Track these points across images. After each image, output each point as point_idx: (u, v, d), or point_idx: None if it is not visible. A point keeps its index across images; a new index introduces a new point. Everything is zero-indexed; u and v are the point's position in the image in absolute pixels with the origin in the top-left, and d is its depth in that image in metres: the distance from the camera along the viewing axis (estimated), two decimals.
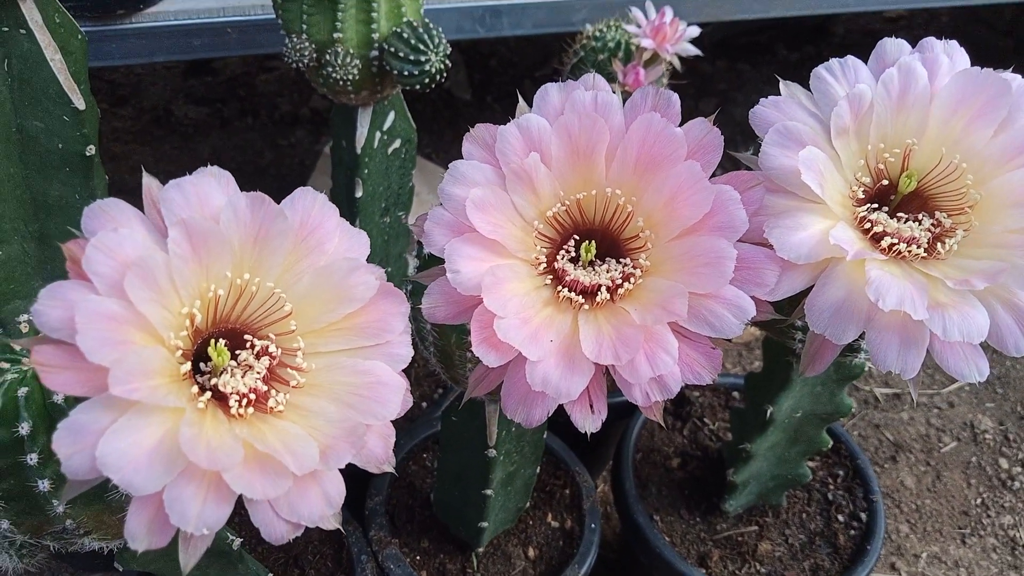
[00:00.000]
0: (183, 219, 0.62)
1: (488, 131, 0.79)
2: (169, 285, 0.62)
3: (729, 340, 0.77)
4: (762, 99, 0.81)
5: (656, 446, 1.80)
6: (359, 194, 1.52)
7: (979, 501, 2.27)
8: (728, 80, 3.34)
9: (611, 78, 1.44)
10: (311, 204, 0.70)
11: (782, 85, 0.83)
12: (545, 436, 1.45)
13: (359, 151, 1.47)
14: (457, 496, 1.45)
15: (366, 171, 1.51)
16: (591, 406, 0.76)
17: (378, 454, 0.68)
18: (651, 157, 0.77)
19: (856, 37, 3.54)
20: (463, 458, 1.36)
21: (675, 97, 0.78)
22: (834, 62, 0.80)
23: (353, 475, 1.56)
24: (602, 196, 0.81)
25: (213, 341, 0.66)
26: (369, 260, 1.72)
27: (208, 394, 0.64)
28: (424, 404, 1.83)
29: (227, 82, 3.12)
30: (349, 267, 0.69)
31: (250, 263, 0.67)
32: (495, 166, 0.79)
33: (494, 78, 3.25)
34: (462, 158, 0.79)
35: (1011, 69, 0.81)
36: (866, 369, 1.34)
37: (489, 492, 1.37)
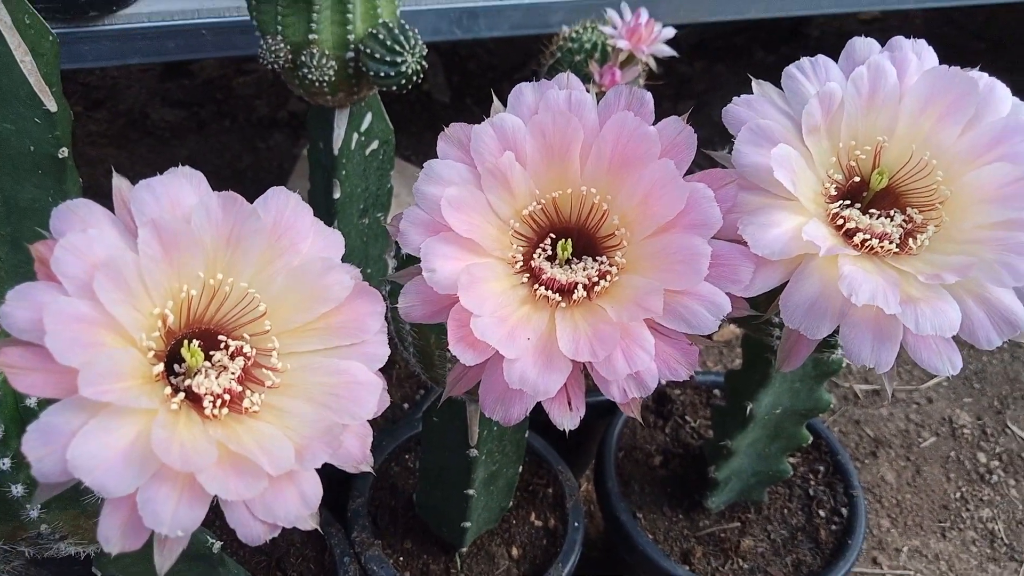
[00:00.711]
0: (153, 219, 0.61)
1: (463, 130, 0.79)
2: (140, 286, 0.61)
3: (708, 337, 0.78)
4: (735, 97, 0.82)
5: (638, 444, 1.81)
6: (337, 195, 1.52)
7: (958, 495, 2.30)
8: (706, 81, 3.37)
9: (587, 79, 1.44)
10: (284, 204, 0.69)
11: (755, 84, 0.84)
12: (527, 435, 1.45)
13: (336, 152, 1.47)
14: (439, 496, 1.44)
15: (343, 172, 1.51)
16: (569, 403, 0.76)
17: (355, 454, 0.68)
18: (625, 156, 0.77)
19: (831, 39, 3.57)
20: (444, 458, 1.36)
21: (648, 96, 0.78)
22: (805, 61, 0.81)
23: (334, 477, 1.56)
24: (577, 195, 0.81)
25: (187, 342, 0.66)
26: (348, 262, 1.72)
27: (181, 395, 0.63)
28: (406, 405, 1.82)
29: (204, 85, 3.10)
30: (324, 267, 0.68)
31: (223, 263, 0.67)
32: (470, 165, 0.79)
33: (473, 80, 3.25)
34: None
35: (979, 68, 0.82)
36: (844, 365, 1.35)
37: (471, 492, 1.37)
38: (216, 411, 0.64)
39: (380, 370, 0.71)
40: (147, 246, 0.61)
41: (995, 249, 0.72)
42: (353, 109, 1.48)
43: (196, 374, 0.67)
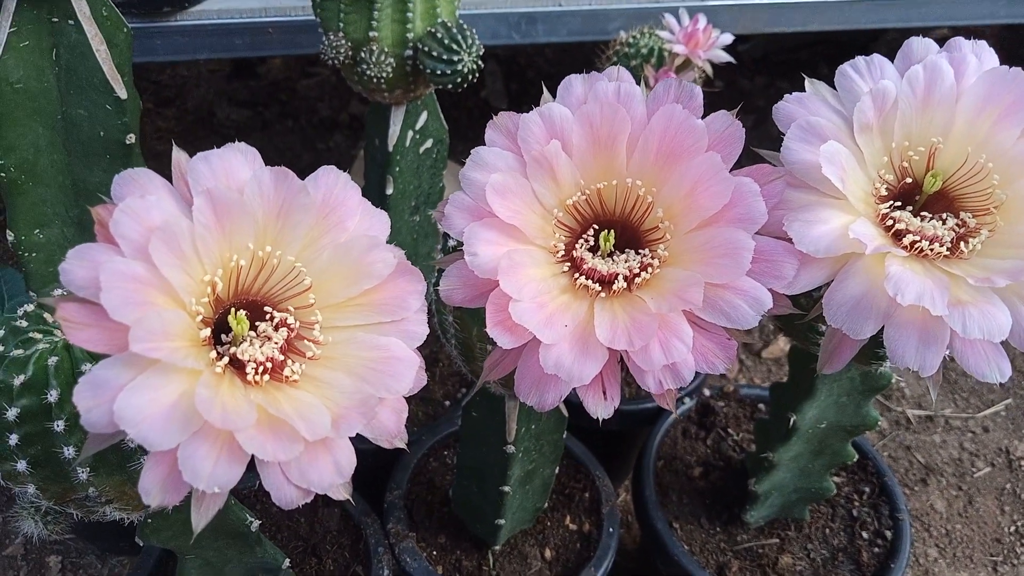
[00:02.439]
0: (208, 189, 0.64)
1: (511, 119, 0.80)
2: (192, 252, 0.63)
3: (747, 333, 0.77)
4: (786, 95, 0.81)
5: (678, 455, 1.79)
6: (389, 191, 1.55)
7: (1012, 528, 2.21)
8: (767, 97, 3.33)
9: (643, 84, 1.45)
10: (334, 182, 0.71)
11: (807, 82, 0.83)
12: (565, 438, 1.45)
13: (391, 149, 1.49)
14: (475, 492, 1.45)
15: (397, 169, 1.53)
16: (604, 392, 0.76)
17: (390, 427, 0.69)
18: (672, 148, 0.77)
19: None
20: (482, 454, 1.37)
21: (698, 90, 0.79)
22: (860, 59, 0.80)
23: (373, 468, 1.57)
24: (622, 186, 0.81)
25: (233, 311, 0.68)
26: None
27: (226, 360, 0.65)
28: (447, 403, 1.84)
29: (269, 86, 3.18)
30: (369, 244, 0.70)
31: (272, 236, 0.69)
32: (517, 153, 0.80)
33: (531, 88, 3.27)
34: None
35: None
36: (894, 382, 1.32)
37: (507, 489, 1.37)
38: (258, 377, 0.66)
39: (423, 367, 0.73)
40: (201, 214, 0.63)
41: None
42: (409, 107, 1.51)
43: (241, 342, 0.69)
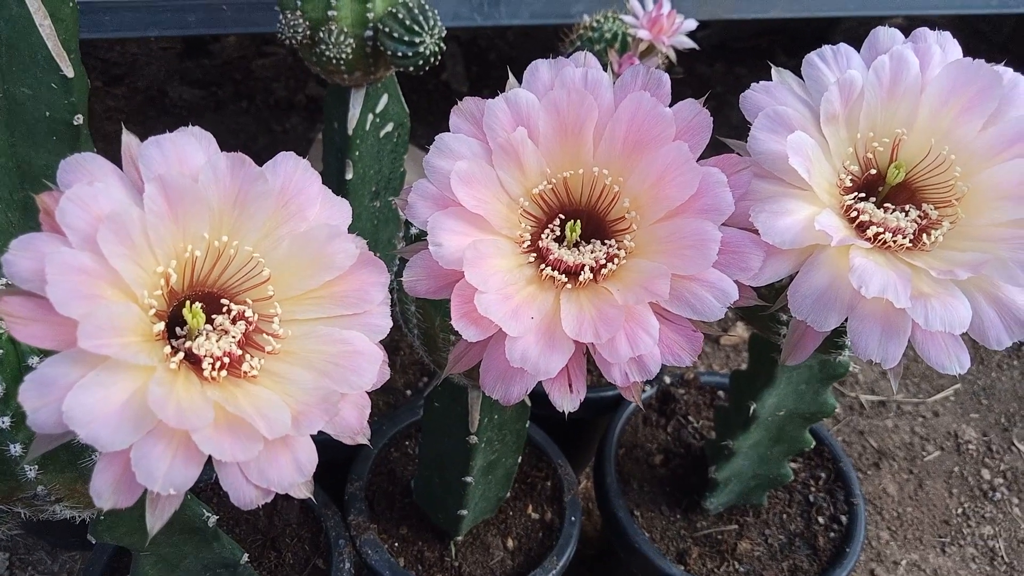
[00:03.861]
0: (160, 175, 0.61)
1: (476, 105, 0.78)
2: (144, 242, 0.61)
3: (718, 333, 0.77)
4: (753, 84, 0.80)
5: (639, 442, 1.80)
6: (349, 176, 1.51)
7: (960, 511, 2.28)
8: (725, 83, 3.35)
9: (607, 69, 1.43)
10: (294, 168, 0.69)
11: (774, 71, 0.83)
12: (528, 427, 1.44)
13: (350, 132, 1.46)
14: (437, 483, 1.44)
15: (357, 153, 1.50)
16: (570, 385, 0.75)
17: (352, 423, 0.67)
18: (639, 136, 0.76)
19: (856, 46, 3.55)
20: (444, 444, 1.35)
21: (666, 77, 0.78)
22: (826, 49, 0.80)
23: (333, 461, 1.54)
24: (589, 175, 0.80)
25: (188, 303, 0.66)
26: None
27: (180, 355, 0.63)
28: (408, 392, 1.82)
29: (223, 65, 3.10)
30: (329, 234, 0.68)
31: (229, 225, 0.66)
32: (482, 140, 0.78)
33: (492, 71, 3.24)
34: None
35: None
36: (850, 369, 1.34)
37: (469, 479, 1.36)
38: (215, 373, 0.64)
39: (387, 360, 0.71)
40: (152, 202, 0.60)
41: (1010, 247, 0.71)
42: (369, 90, 1.47)
43: (197, 336, 0.66)
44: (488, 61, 3.28)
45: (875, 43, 0.80)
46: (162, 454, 0.57)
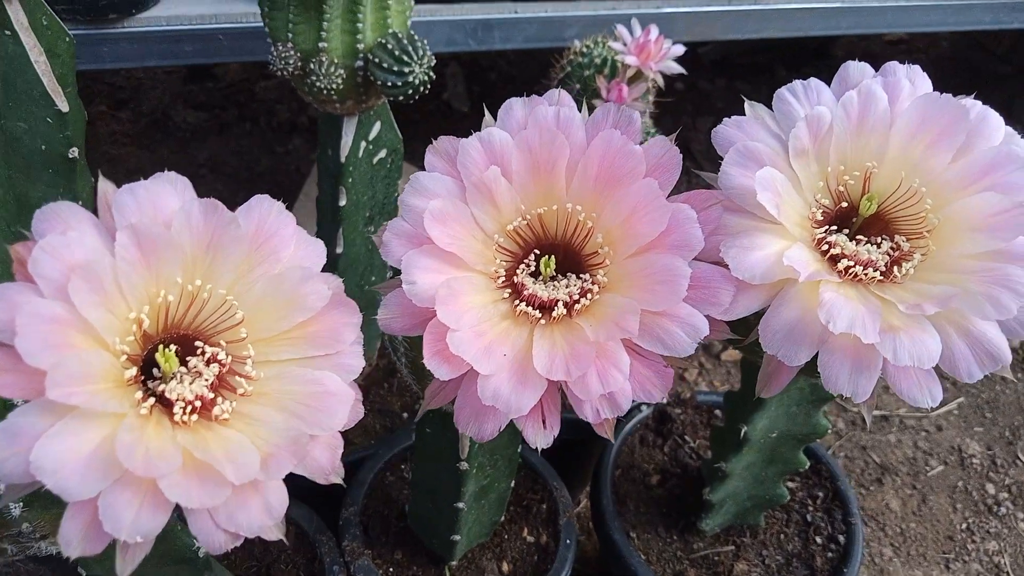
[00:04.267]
0: (132, 224, 0.62)
1: (451, 143, 0.80)
2: (116, 289, 0.62)
3: (684, 359, 0.77)
4: (725, 118, 0.81)
5: (636, 463, 1.80)
6: (343, 203, 1.53)
7: (964, 526, 2.26)
8: (726, 99, 3.35)
9: (596, 94, 1.44)
10: (267, 212, 0.70)
11: (747, 105, 0.83)
12: (521, 450, 1.45)
13: (343, 160, 1.48)
14: (430, 508, 1.44)
15: (350, 180, 1.52)
16: (543, 421, 0.76)
17: (324, 464, 0.68)
18: (610, 174, 0.77)
19: (856, 59, 3.55)
20: (436, 470, 1.36)
21: (636, 115, 0.78)
22: (797, 83, 0.80)
23: (325, 486, 1.56)
24: (563, 211, 0.81)
25: (162, 347, 0.67)
26: (352, 270, 1.72)
27: (152, 400, 0.64)
28: (405, 414, 1.82)
29: (227, 88, 3.14)
30: (302, 276, 0.69)
31: (203, 269, 0.68)
32: (457, 178, 0.79)
33: (493, 91, 3.26)
34: None
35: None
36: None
37: (461, 506, 1.36)
38: (186, 417, 0.65)
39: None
40: (125, 250, 0.62)
41: (980, 280, 0.71)
42: (362, 117, 1.49)
43: (171, 379, 0.67)
44: (489, 81, 3.30)
45: (845, 77, 0.81)
46: (129, 502, 0.58)
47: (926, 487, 2.34)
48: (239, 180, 2.81)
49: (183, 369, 0.68)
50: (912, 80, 0.79)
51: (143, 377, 0.69)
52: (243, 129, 3.02)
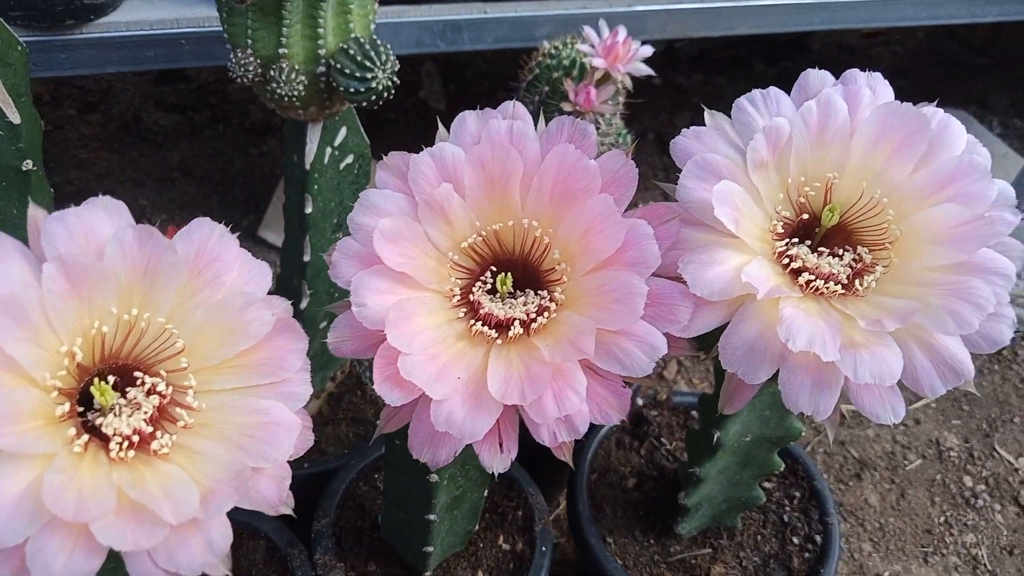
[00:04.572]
0: (59, 255, 0.59)
1: (402, 159, 0.77)
2: (44, 322, 0.59)
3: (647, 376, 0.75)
4: (684, 129, 0.79)
5: (612, 466, 1.78)
6: (308, 210, 1.50)
7: (943, 519, 2.26)
8: (704, 94, 3.34)
9: (564, 97, 1.42)
10: (208, 235, 0.67)
11: (707, 114, 0.81)
12: None
13: (308, 167, 1.45)
14: (403, 519, 1.42)
15: (316, 187, 1.49)
16: (500, 445, 0.74)
17: (270, 497, 0.66)
18: (566, 189, 0.75)
19: (833, 51, 3.54)
20: (406, 482, 1.34)
21: (591, 128, 0.76)
22: (756, 93, 0.79)
23: (301, 496, 1.54)
24: (519, 227, 0.79)
25: (97, 379, 0.64)
26: (321, 278, 1.68)
27: (86, 437, 0.61)
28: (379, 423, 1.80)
29: (199, 89, 3.09)
30: (244, 302, 0.66)
31: (139, 297, 0.65)
32: (409, 195, 0.77)
33: (469, 89, 3.23)
34: None
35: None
36: None
37: (433, 517, 1.34)
38: (123, 453, 0.62)
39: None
40: (52, 282, 0.59)
41: (942, 294, 0.70)
42: (327, 123, 1.46)
43: (109, 412, 0.65)
44: (466, 79, 3.27)
45: (806, 86, 0.79)
46: (60, 547, 0.55)
47: (904, 481, 2.34)
48: (212, 183, 2.77)
49: (122, 401, 0.66)
50: (873, 88, 0.77)
51: (83, 409, 0.66)
52: (216, 131, 2.97)
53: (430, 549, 1.40)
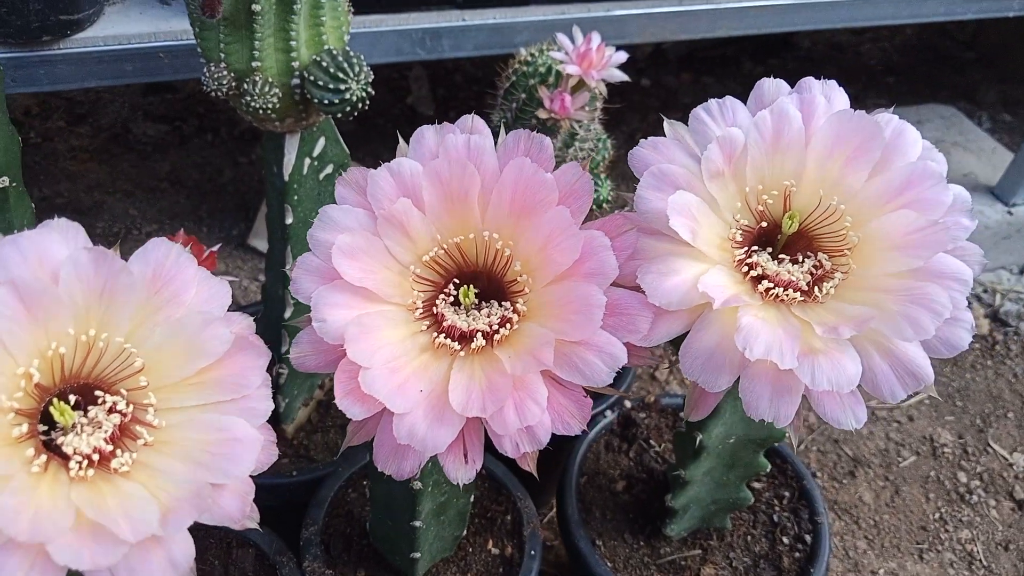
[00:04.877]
0: (12, 279, 0.60)
1: (361, 174, 0.78)
2: None
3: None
4: (641, 140, 0.80)
5: (601, 469, 1.78)
6: (289, 220, 1.51)
7: (937, 516, 2.26)
8: (693, 94, 3.34)
9: (540, 104, 1.43)
10: (164, 255, 0.68)
11: (665, 124, 0.82)
12: (486, 460, 1.43)
13: (287, 178, 1.45)
14: (390, 526, 1.43)
15: (295, 197, 1.49)
16: (465, 456, 0.74)
17: (232, 513, 0.66)
18: (524, 202, 0.75)
19: (822, 49, 3.54)
20: (390, 489, 1.34)
21: (547, 141, 0.77)
22: (712, 103, 0.79)
23: (289, 504, 1.53)
24: (481, 240, 0.79)
25: (56, 400, 0.65)
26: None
27: (43, 457, 0.62)
28: None
29: (187, 99, 3.10)
30: (202, 321, 0.67)
31: (97, 318, 0.66)
32: (369, 210, 0.77)
33: (458, 93, 3.24)
34: None
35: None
36: None
37: (418, 524, 1.35)
38: (82, 472, 0.63)
39: (274, 441, 0.70)
40: (5, 307, 0.60)
41: (899, 300, 0.70)
42: (304, 134, 1.46)
43: (70, 431, 0.65)
44: (454, 83, 3.28)
45: (761, 95, 0.80)
46: (16, 567, 0.56)
47: (899, 478, 2.35)
48: (202, 192, 2.78)
49: (84, 420, 0.66)
50: (828, 96, 0.78)
51: (46, 428, 0.67)
52: (204, 140, 2.98)
53: (417, 555, 1.41)
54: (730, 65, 3.43)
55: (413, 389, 0.72)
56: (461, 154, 0.76)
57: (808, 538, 1.67)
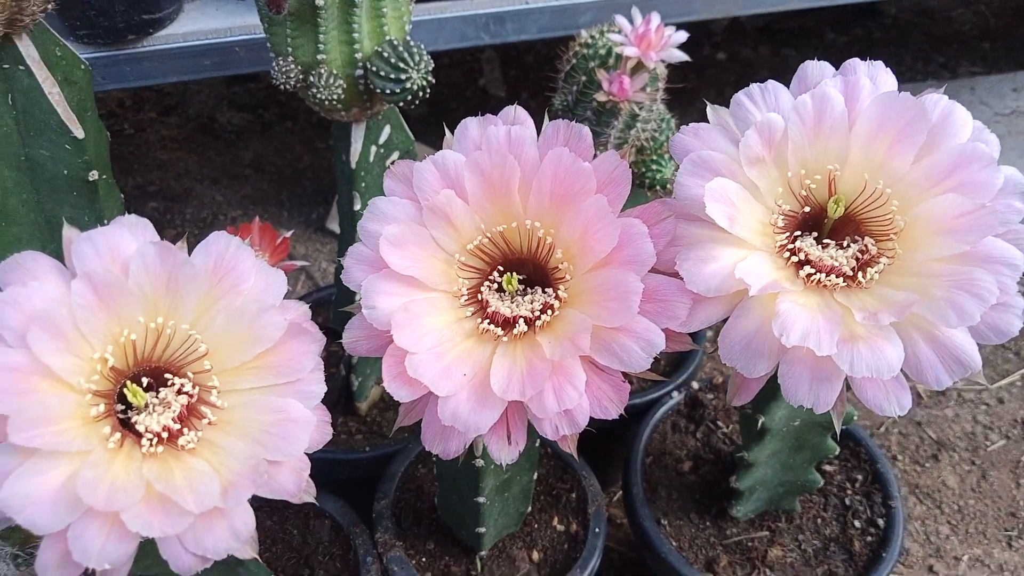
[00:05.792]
0: (87, 271, 0.66)
1: (407, 167, 0.81)
2: (76, 333, 0.66)
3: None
4: (683, 126, 0.80)
5: (668, 449, 1.79)
6: (357, 207, 1.56)
7: None
8: (772, 67, 3.25)
9: (600, 86, 1.43)
10: (225, 248, 0.73)
11: (709, 109, 0.82)
12: (548, 440, 1.46)
13: (354, 166, 1.50)
14: (456, 501, 1.47)
15: (363, 184, 1.54)
16: (508, 437, 0.77)
17: (289, 488, 0.71)
18: (563, 191, 0.77)
19: (910, 16, 3.38)
20: (454, 466, 1.38)
21: (586, 131, 0.78)
22: (754, 87, 0.78)
23: (360, 480, 1.59)
24: (523, 228, 0.81)
25: (129, 382, 0.71)
26: None
27: (119, 434, 0.68)
28: None
29: (268, 88, 3.21)
30: (258, 309, 0.71)
31: (164, 307, 0.71)
32: (415, 201, 0.80)
33: (529, 74, 3.24)
34: None
35: None
36: None
37: (482, 500, 1.39)
38: (153, 448, 0.69)
39: (328, 421, 0.75)
40: (81, 297, 0.65)
41: (944, 285, 0.68)
42: (370, 123, 1.51)
43: (143, 411, 0.71)
44: (525, 63, 3.28)
45: (804, 78, 0.78)
46: (96, 533, 0.62)
47: (986, 462, 2.26)
48: (283, 178, 2.88)
49: (155, 400, 0.72)
50: (873, 78, 0.76)
51: (123, 407, 0.73)
52: (284, 127, 3.09)
53: (482, 530, 1.45)
54: (811, 36, 3.31)
55: (457, 373, 0.75)
56: (502, 145, 0.78)
57: (881, 522, 1.64)
